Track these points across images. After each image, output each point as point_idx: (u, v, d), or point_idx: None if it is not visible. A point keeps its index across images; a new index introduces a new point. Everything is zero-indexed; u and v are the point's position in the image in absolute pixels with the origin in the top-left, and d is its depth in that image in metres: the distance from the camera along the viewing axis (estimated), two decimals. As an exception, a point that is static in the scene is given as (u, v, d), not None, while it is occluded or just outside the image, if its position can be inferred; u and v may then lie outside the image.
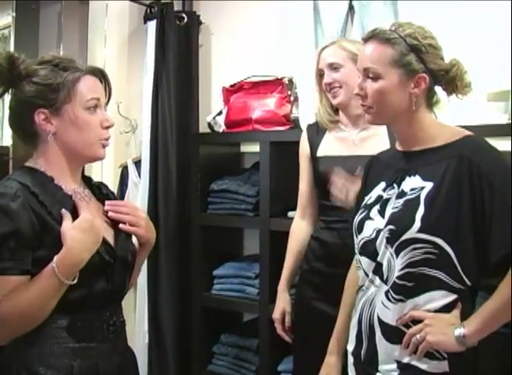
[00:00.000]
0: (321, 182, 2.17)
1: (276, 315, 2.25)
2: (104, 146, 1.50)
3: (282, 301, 2.26)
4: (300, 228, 2.28)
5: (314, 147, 2.21)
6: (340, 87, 2.11)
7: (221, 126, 2.95)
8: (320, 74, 2.17)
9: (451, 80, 1.49)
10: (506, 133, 2.10)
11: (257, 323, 2.68)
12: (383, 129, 2.10)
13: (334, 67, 2.12)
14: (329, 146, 2.18)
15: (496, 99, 2.31)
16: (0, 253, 1.30)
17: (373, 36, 1.49)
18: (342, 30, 2.71)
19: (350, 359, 1.59)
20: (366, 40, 1.51)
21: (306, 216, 2.28)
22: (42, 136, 1.44)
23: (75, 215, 1.41)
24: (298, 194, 2.30)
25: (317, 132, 2.23)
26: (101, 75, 1.52)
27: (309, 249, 2.22)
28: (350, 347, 1.59)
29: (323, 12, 2.74)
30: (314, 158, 2.21)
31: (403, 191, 1.48)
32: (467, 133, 1.48)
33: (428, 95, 1.50)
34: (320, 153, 2.19)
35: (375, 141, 2.09)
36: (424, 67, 1.46)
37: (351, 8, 2.70)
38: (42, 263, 1.34)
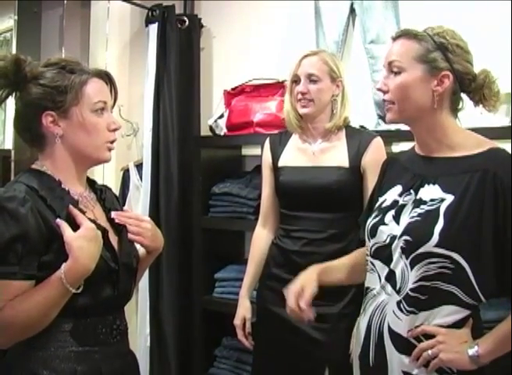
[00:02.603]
0: (281, 191, 2.22)
1: (237, 321, 2.28)
2: (110, 149, 1.50)
3: (243, 308, 2.29)
4: (261, 236, 2.32)
5: (275, 157, 2.25)
6: (312, 100, 2.14)
7: (222, 129, 2.95)
8: (294, 80, 2.18)
9: (478, 87, 1.47)
10: (507, 135, 2.10)
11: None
12: (343, 141, 2.16)
13: (312, 79, 2.14)
14: (290, 156, 2.22)
15: (498, 102, 2.30)
16: (7, 257, 1.29)
17: (402, 34, 1.49)
18: (343, 33, 2.71)
19: (356, 362, 1.58)
20: (395, 38, 1.50)
21: (267, 224, 2.32)
22: (49, 138, 1.44)
23: (72, 221, 1.40)
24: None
25: (279, 142, 2.27)
26: (107, 78, 1.51)
27: (269, 255, 2.26)
28: (357, 350, 1.57)
29: (325, 15, 2.74)
30: (275, 168, 2.25)
31: (421, 199, 1.45)
32: (492, 144, 1.46)
33: (453, 99, 1.48)
34: (281, 163, 2.23)
35: (334, 152, 2.15)
36: (449, 66, 1.44)
37: (352, 11, 2.70)
38: (48, 268, 1.33)
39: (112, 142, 1.50)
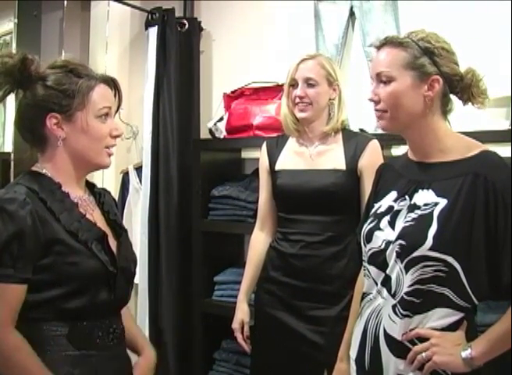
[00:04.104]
0: (279, 195, 2.22)
1: (235, 325, 2.28)
2: (109, 155, 1.51)
3: (241, 312, 2.29)
4: (259, 239, 2.32)
5: (272, 160, 2.25)
6: (310, 103, 2.14)
7: (222, 133, 2.95)
8: (292, 84, 2.18)
9: (466, 86, 1.47)
10: (507, 139, 2.10)
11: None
12: (340, 144, 2.16)
13: (310, 83, 2.14)
14: (287, 160, 2.22)
15: (498, 105, 2.31)
16: (2, 260, 1.30)
17: (386, 42, 1.49)
18: (343, 37, 2.72)
19: (353, 366, 1.58)
20: (379, 47, 1.51)
21: (265, 227, 2.32)
22: (51, 140, 1.44)
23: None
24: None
25: (276, 146, 2.28)
26: (113, 84, 1.52)
27: (267, 258, 2.26)
28: (353, 354, 1.58)
29: (324, 18, 2.75)
30: (272, 172, 2.25)
31: (415, 204, 1.46)
32: (483, 147, 1.46)
33: (443, 101, 1.49)
34: (278, 167, 2.23)
35: (331, 155, 2.16)
36: (437, 70, 1.45)
37: (352, 14, 2.70)
38: (47, 271, 1.34)
39: (112, 147, 1.51)
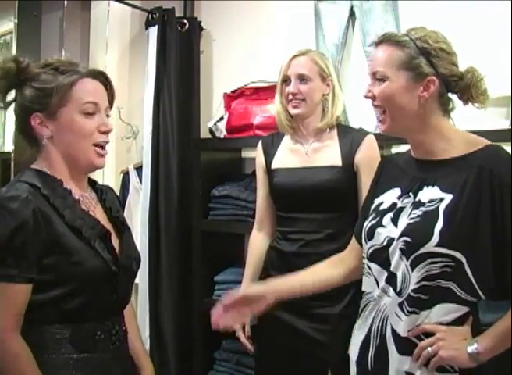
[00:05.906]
0: (276, 193, 2.22)
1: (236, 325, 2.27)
2: (99, 154, 1.46)
3: None
4: (257, 240, 2.31)
5: (268, 159, 2.25)
6: (303, 99, 2.13)
7: (222, 132, 2.95)
8: (284, 80, 2.18)
9: (465, 87, 1.46)
10: (507, 139, 2.10)
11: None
12: (335, 140, 2.15)
13: (303, 78, 2.14)
14: (283, 158, 2.22)
15: (498, 105, 2.31)
16: (6, 260, 1.29)
17: (384, 39, 1.48)
18: (343, 36, 2.72)
19: (354, 369, 1.56)
20: (377, 44, 1.49)
21: (263, 227, 2.31)
22: (40, 140, 1.44)
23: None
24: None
25: (271, 144, 2.27)
26: (102, 78, 1.49)
27: (267, 258, 2.25)
28: (354, 355, 1.56)
29: (324, 18, 2.75)
30: (269, 171, 2.24)
31: (420, 201, 1.45)
32: (487, 142, 1.45)
33: (441, 101, 1.47)
34: (274, 165, 2.22)
35: (327, 151, 2.15)
36: (434, 71, 1.43)
37: (352, 14, 2.71)
38: (50, 271, 1.33)
39: (101, 147, 1.47)
